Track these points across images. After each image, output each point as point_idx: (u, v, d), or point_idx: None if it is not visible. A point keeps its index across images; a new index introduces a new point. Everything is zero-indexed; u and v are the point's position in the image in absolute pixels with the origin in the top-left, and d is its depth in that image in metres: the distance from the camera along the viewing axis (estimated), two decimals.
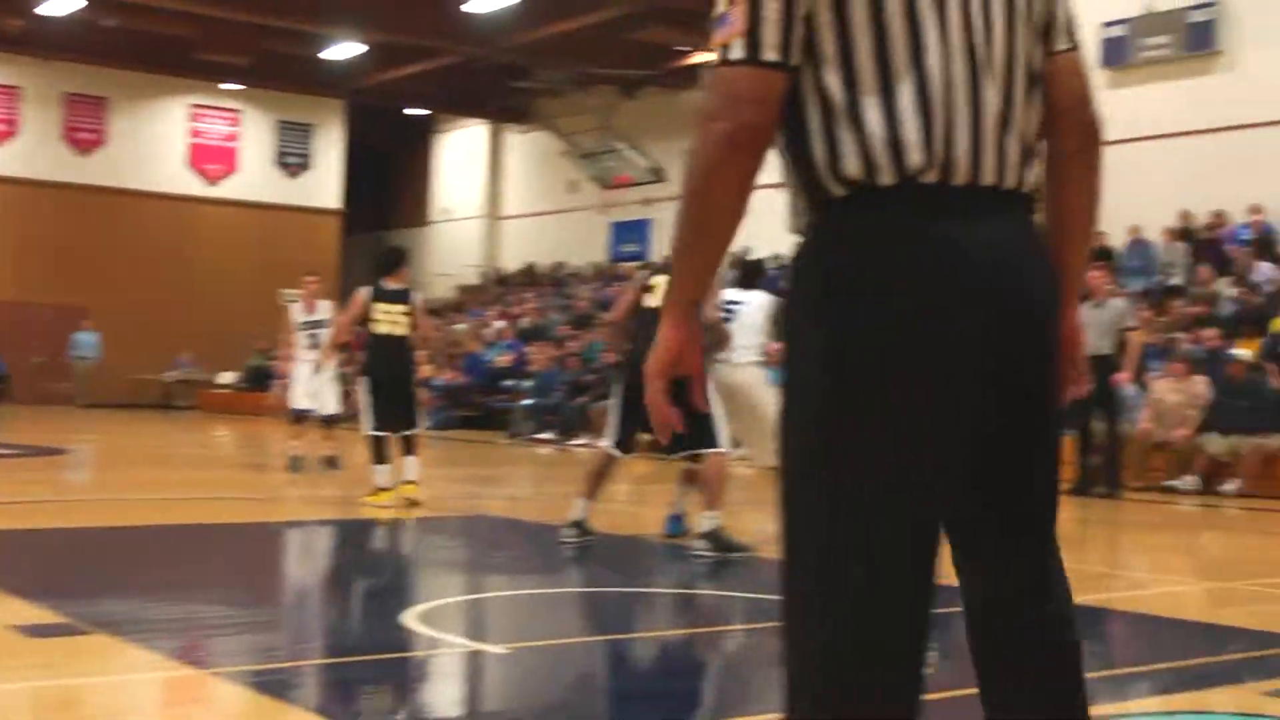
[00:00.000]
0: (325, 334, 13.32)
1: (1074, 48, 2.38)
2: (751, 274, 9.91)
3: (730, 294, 9.15)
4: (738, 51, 2.15)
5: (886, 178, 2.16)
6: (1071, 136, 2.39)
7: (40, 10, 26.19)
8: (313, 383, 13.53)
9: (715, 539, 8.06)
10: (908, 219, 2.17)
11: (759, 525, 8.31)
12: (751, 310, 9.02)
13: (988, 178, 2.21)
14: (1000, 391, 2.22)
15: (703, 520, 8.15)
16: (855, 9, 2.16)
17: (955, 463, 2.23)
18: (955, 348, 2.15)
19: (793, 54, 2.17)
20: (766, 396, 8.55)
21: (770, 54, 2.15)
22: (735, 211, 2.22)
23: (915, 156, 2.15)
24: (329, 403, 13.76)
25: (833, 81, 2.19)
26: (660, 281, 8.65)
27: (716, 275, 2.38)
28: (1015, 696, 2.38)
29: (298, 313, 14.05)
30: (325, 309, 14.00)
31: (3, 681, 4.79)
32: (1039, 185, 2.33)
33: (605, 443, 8.64)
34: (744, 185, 2.21)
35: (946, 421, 2.17)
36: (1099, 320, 12.61)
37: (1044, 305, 2.27)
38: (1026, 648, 2.37)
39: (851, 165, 2.16)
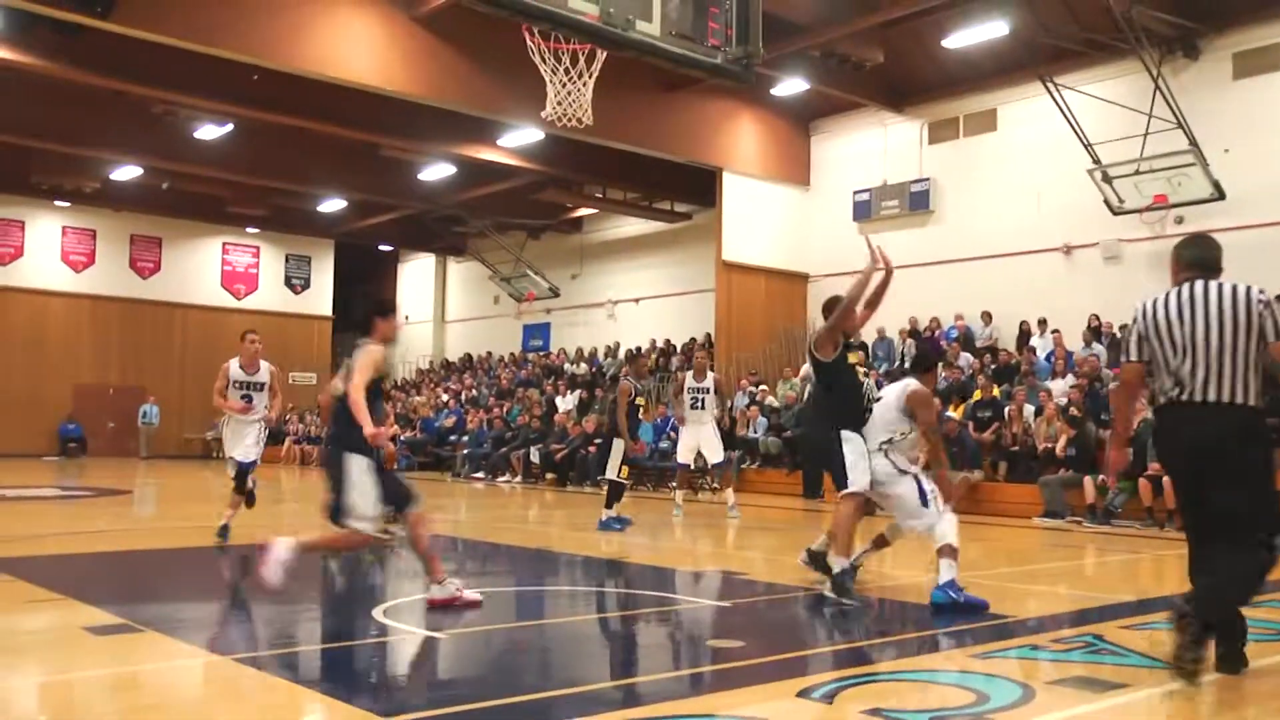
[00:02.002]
0: (260, 396, 9.67)
1: (1278, 338, 4.33)
2: (915, 363, 7.55)
3: (884, 387, 7.35)
4: (1124, 357, 4.69)
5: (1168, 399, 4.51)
6: None
7: (112, 176, 25.58)
8: (245, 437, 9.61)
9: (839, 585, 6.54)
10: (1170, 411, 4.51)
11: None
12: (885, 402, 7.04)
13: (1210, 398, 4.35)
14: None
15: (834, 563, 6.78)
16: (1154, 349, 4.50)
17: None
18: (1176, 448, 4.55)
19: (1143, 355, 4.57)
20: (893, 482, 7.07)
21: (1132, 356, 4.63)
22: (1125, 406, 5.16)
23: (1174, 393, 4.44)
24: (251, 452, 9.62)
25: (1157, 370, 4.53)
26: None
27: (1124, 427, 5.13)
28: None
29: (235, 371, 9.71)
30: (265, 371, 9.79)
31: (80, 670, 4.62)
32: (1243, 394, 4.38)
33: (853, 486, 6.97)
34: (1128, 399, 5.07)
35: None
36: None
37: (1212, 442, 4.36)
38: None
39: (1161, 395, 4.49)
